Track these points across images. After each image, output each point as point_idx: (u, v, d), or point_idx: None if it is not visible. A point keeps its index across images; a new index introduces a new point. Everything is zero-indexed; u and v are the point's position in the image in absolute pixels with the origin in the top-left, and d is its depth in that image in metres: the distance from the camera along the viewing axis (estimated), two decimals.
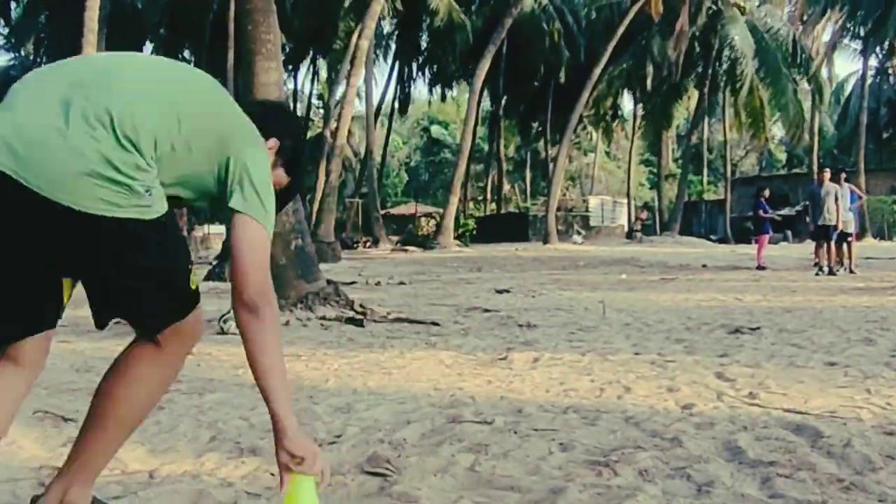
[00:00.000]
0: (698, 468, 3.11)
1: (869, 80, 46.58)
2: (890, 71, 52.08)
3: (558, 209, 41.06)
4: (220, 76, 34.22)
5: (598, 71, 35.20)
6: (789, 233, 40.29)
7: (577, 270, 19.60)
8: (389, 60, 47.33)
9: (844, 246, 16.73)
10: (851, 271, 16.31)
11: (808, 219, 18.31)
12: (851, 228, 16.64)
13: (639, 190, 66.72)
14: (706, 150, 54.93)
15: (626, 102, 55.12)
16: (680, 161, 54.54)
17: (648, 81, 43.08)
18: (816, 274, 15.82)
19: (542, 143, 51.86)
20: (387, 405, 4.41)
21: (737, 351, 6.29)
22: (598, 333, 7.59)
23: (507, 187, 58.20)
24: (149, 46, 43.38)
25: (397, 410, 4.27)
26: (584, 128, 55.00)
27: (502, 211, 52.37)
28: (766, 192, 19.85)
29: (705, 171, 57.03)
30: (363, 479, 3.04)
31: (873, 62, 48.65)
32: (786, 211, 39.82)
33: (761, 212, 19.27)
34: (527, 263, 22.90)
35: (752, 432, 3.68)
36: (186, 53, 44.16)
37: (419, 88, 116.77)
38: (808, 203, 18.33)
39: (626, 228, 48.31)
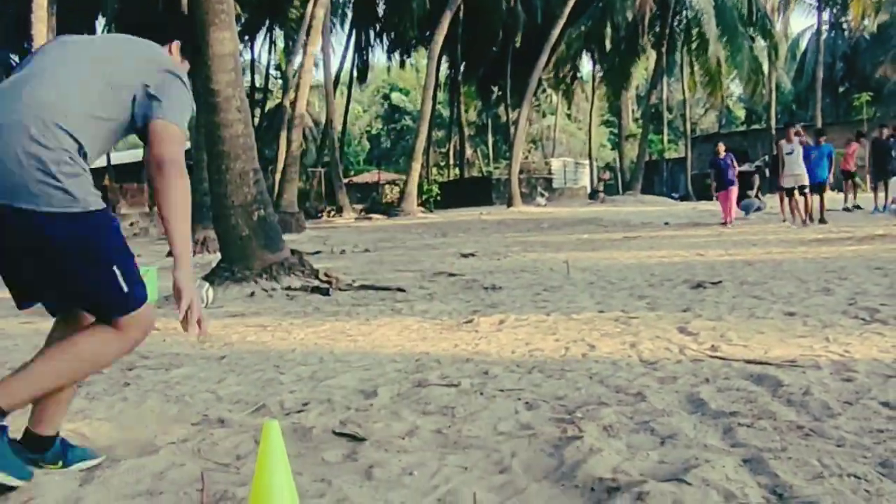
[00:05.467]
0: (661, 421, 3.16)
1: (824, 35, 46.89)
2: (844, 25, 52.43)
3: (521, 172, 41.05)
4: None
5: (555, 33, 35.06)
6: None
7: (541, 232, 19.68)
8: (346, 28, 46.92)
9: (804, 198, 16.87)
10: (823, 220, 16.49)
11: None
12: (805, 181, 16.71)
13: (600, 151, 66.82)
14: (666, 109, 55.13)
15: (585, 64, 55.12)
16: (640, 121, 54.68)
17: (607, 42, 43.05)
18: (792, 224, 16.01)
19: (502, 107, 51.77)
20: (353, 372, 4.43)
21: (699, 305, 6.37)
22: (563, 293, 7.64)
23: (469, 152, 58.06)
24: (101, 21, 42.61)
25: (364, 377, 4.29)
26: (544, 90, 54.89)
27: (465, 176, 52.29)
28: (721, 147, 19.64)
29: (665, 130, 57.27)
30: (332, 444, 3.06)
31: (827, 17, 48.95)
32: (745, 167, 40.07)
33: (720, 169, 19.05)
34: (491, 227, 22.95)
35: (714, 384, 3.74)
36: None
37: (378, 56, 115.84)
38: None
39: (588, 189, 48.47)
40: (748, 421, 3.10)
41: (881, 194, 19.77)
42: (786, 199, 17.05)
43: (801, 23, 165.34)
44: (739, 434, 2.95)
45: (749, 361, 4.18)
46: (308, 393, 3.95)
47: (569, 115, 69.79)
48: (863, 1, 43.54)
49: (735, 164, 19.17)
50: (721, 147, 19.49)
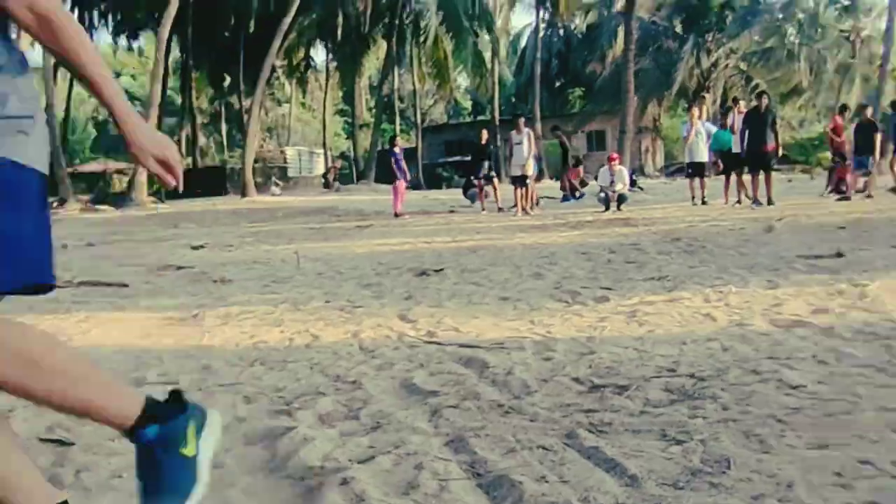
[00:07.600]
0: (375, 407, 3.30)
1: (541, 33, 49.67)
2: (559, 24, 55.69)
3: (256, 161, 40.50)
4: None
5: (287, 21, 34.85)
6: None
7: (275, 222, 19.56)
8: (67, 6, 44.03)
9: (522, 189, 17.67)
10: (527, 212, 17.39)
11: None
12: (530, 171, 17.52)
13: (335, 140, 67.07)
14: (398, 99, 56.24)
15: (319, 53, 55.19)
16: (373, 111, 55.50)
17: (339, 32, 43.38)
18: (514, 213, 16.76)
19: (236, 95, 50.78)
20: None
21: (421, 293, 6.63)
22: (292, 284, 7.69)
23: (202, 140, 56.41)
24: None
25: None
26: (278, 78, 54.47)
27: (199, 165, 50.83)
28: (397, 141, 20.71)
29: (398, 120, 58.35)
30: (38, 450, 2.94)
31: (545, 15, 51.88)
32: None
33: (393, 161, 19.22)
34: (225, 217, 22.50)
35: (427, 368, 3.94)
36: None
37: (103, 38, 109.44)
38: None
39: (322, 179, 48.66)
40: (454, 402, 3.30)
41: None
42: (518, 189, 17.65)
43: (523, 20, 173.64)
44: (445, 415, 3.14)
45: (462, 345, 4.43)
46: (14, 398, 3.75)
47: (304, 104, 69.56)
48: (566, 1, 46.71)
49: (402, 159, 19.66)
50: (398, 140, 20.51)
